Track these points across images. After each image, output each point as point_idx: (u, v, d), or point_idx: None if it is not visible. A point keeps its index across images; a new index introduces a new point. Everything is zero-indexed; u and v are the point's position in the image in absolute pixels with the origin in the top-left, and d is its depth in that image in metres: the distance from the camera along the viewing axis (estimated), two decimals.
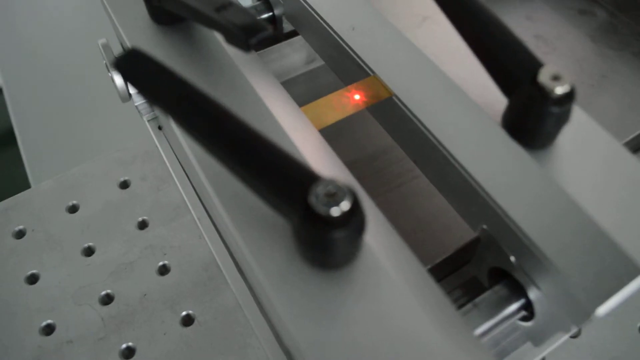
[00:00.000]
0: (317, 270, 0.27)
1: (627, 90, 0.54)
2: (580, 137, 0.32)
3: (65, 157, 0.69)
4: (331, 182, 0.24)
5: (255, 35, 0.28)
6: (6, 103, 0.76)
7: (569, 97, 0.29)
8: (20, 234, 0.53)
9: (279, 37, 0.49)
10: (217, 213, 0.31)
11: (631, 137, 0.47)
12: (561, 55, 0.57)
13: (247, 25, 0.28)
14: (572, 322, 0.28)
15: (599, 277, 0.27)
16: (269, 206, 0.27)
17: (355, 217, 0.24)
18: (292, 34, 0.50)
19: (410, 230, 0.45)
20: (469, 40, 0.33)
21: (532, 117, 0.30)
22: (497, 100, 0.32)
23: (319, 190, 0.24)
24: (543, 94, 0.29)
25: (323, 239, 0.24)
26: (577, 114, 0.33)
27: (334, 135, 0.38)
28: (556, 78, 0.29)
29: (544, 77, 0.29)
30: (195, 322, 0.47)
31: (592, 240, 0.28)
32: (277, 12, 0.47)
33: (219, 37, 0.38)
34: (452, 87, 0.34)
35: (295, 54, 0.52)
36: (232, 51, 0.37)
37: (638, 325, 0.45)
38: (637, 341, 0.44)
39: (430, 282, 0.27)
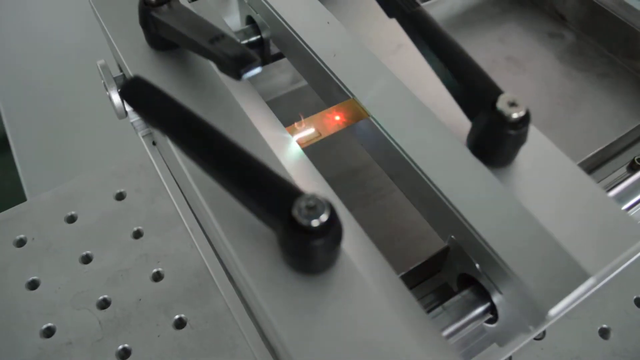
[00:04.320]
0: (299, 275, 0.29)
1: (591, 110, 0.57)
2: (537, 156, 0.35)
3: (59, 170, 0.69)
4: (312, 196, 0.27)
5: (245, 66, 0.30)
6: (1, 115, 0.76)
7: (524, 121, 0.32)
8: (21, 243, 0.54)
9: (266, 59, 0.51)
10: (208, 223, 0.33)
11: (592, 154, 0.49)
12: (530, 76, 0.59)
13: (239, 56, 0.31)
14: (529, 323, 0.31)
15: (552, 282, 0.29)
16: (257, 218, 0.29)
17: (333, 227, 0.27)
18: (279, 55, 0.51)
19: (388, 240, 0.46)
20: (436, 69, 0.35)
21: (493, 139, 0.33)
22: (462, 122, 0.35)
23: (301, 204, 0.27)
24: (501, 118, 0.32)
25: (305, 247, 0.27)
26: (535, 135, 0.35)
27: (320, 151, 0.40)
28: (513, 104, 0.31)
29: (502, 103, 0.31)
30: (187, 325, 0.49)
31: (546, 249, 0.30)
32: (264, 35, 0.49)
33: (211, 62, 0.39)
34: (422, 110, 0.37)
35: (282, 75, 0.54)
36: (223, 75, 0.39)
37: (597, 328, 0.48)
38: (597, 342, 0.47)
39: (400, 286, 0.30)
